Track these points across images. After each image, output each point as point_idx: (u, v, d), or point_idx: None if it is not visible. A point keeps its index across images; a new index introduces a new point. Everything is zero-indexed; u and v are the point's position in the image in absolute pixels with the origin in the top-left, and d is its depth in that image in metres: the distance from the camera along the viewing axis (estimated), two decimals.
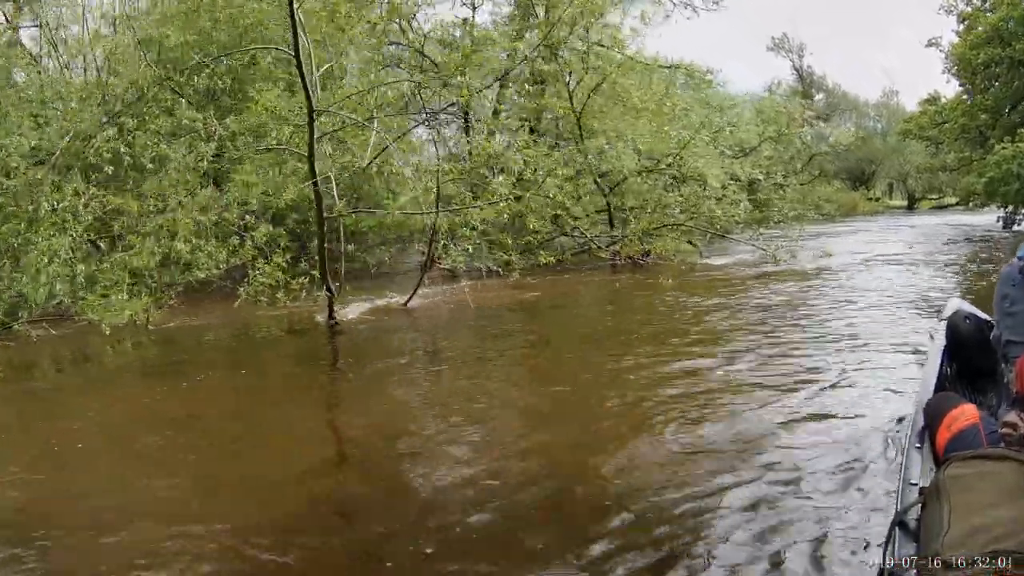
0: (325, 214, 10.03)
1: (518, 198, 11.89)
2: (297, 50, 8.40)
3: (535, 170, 12.97)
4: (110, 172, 12.62)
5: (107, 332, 10.39)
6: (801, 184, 28.69)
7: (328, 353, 9.58)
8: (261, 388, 7.82)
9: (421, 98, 10.21)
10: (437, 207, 10.27)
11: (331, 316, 10.43)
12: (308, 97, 8.71)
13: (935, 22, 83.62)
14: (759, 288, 13.23)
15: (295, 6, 8.08)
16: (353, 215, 9.86)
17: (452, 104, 10.90)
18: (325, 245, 10.20)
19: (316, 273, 11.16)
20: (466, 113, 19.70)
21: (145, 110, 13.37)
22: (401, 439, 5.63)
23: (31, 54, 16.92)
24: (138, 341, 10.69)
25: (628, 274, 16.54)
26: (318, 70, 9.52)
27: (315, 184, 9.30)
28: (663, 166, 17.89)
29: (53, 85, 14.45)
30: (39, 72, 16.03)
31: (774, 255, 16.69)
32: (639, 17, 22.32)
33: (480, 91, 10.77)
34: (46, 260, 11.37)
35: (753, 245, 17.98)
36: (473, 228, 10.53)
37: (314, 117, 8.79)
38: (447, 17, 21.36)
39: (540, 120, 20.88)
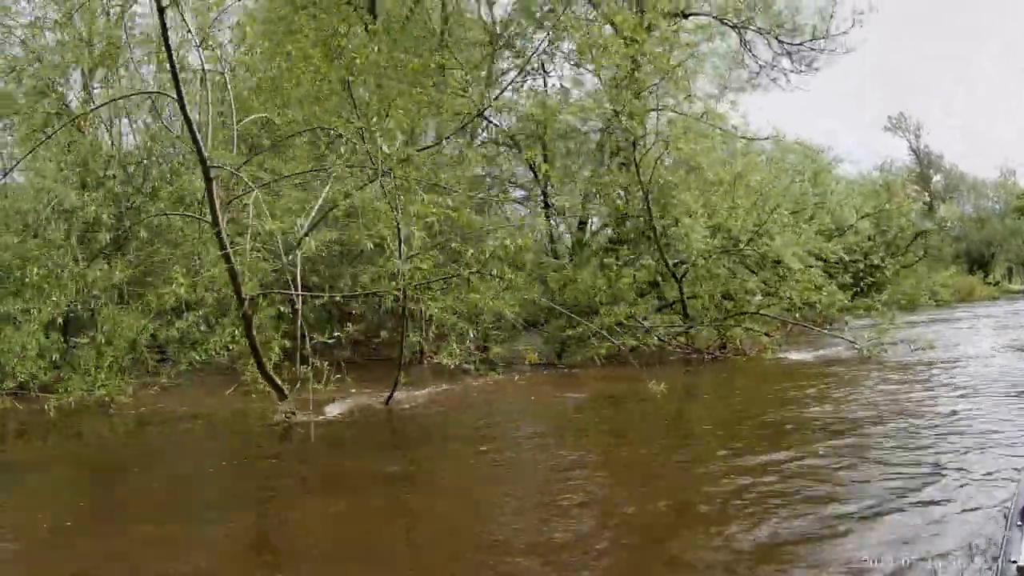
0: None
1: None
2: (180, 95, 7.04)
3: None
4: (107, 240, 11.74)
5: (51, 413, 9.31)
6: (903, 266, 25.67)
7: (242, 464, 8.00)
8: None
9: (371, 156, 8.47)
10: (404, 291, 8.58)
11: (287, 414, 8.88)
12: (199, 151, 7.27)
13: (1006, 88, 79.13)
14: (852, 382, 11.92)
15: (173, 50, 6.75)
16: (268, 296, 8.24)
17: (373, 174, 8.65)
18: (252, 333, 8.54)
19: (316, 361, 9.78)
20: (545, 194, 18.30)
21: (155, 173, 12.57)
22: None
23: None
24: (79, 427, 9.87)
25: (694, 369, 14.50)
26: (238, 123, 8.12)
27: (227, 258, 7.80)
28: (741, 245, 15.75)
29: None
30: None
31: (865, 350, 14.30)
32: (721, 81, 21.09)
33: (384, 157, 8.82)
34: (34, 328, 10.63)
35: (841, 338, 15.54)
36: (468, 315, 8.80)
37: (211, 176, 7.34)
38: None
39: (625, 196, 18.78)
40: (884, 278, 20.87)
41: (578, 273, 15.50)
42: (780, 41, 19.93)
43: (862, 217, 21.92)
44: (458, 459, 7.98)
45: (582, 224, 18.99)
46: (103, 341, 10.80)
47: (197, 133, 7.29)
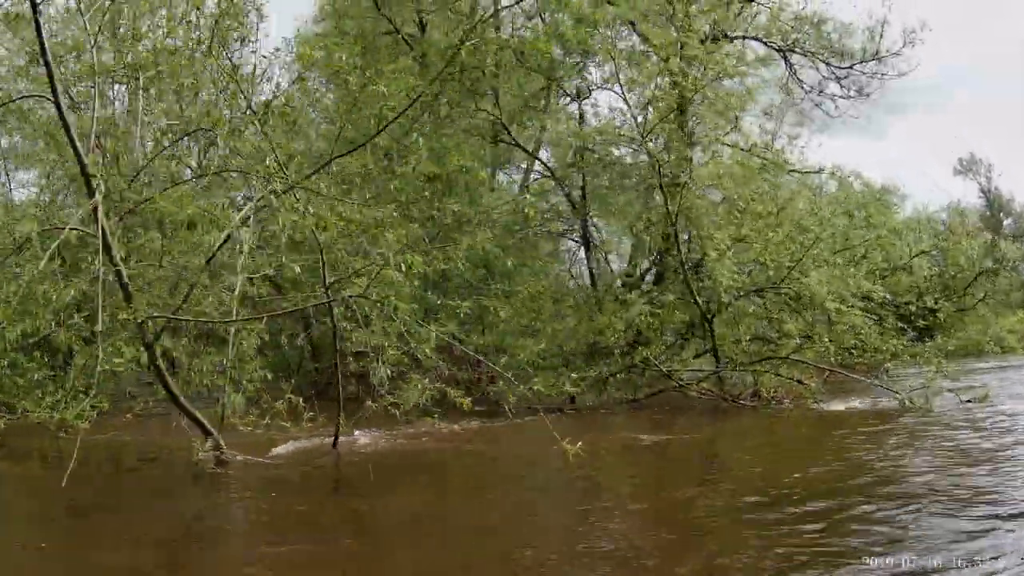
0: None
1: None
2: (56, 100, 6.36)
3: None
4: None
5: None
6: (960, 309, 23.82)
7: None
8: None
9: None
10: (330, 308, 7.71)
11: (212, 453, 8.12)
12: (80, 160, 6.56)
13: None
14: (882, 435, 10.91)
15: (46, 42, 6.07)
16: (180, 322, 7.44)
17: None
18: (156, 361, 7.76)
19: (291, 397, 9.05)
20: (586, 234, 17.52)
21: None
22: None
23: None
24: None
25: (717, 417, 13.40)
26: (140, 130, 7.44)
27: (119, 277, 7.07)
28: (777, 282, 14.54)
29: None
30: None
31: (907, 400, 12.99)
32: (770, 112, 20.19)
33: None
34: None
35: (881, 387, 14.18)
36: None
37: (92, 185, 6.62)
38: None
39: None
40: (938, 321, 19.30)
41: (595, 311, 14.64)
42: (828, 64, 18.76)
43: (916, 255, 20.47)
44: (379, 510, 7.10)
45: (632, 260, 18.18)
46: (77, 364, 10.28)
47: (77, 141, 6.62)
